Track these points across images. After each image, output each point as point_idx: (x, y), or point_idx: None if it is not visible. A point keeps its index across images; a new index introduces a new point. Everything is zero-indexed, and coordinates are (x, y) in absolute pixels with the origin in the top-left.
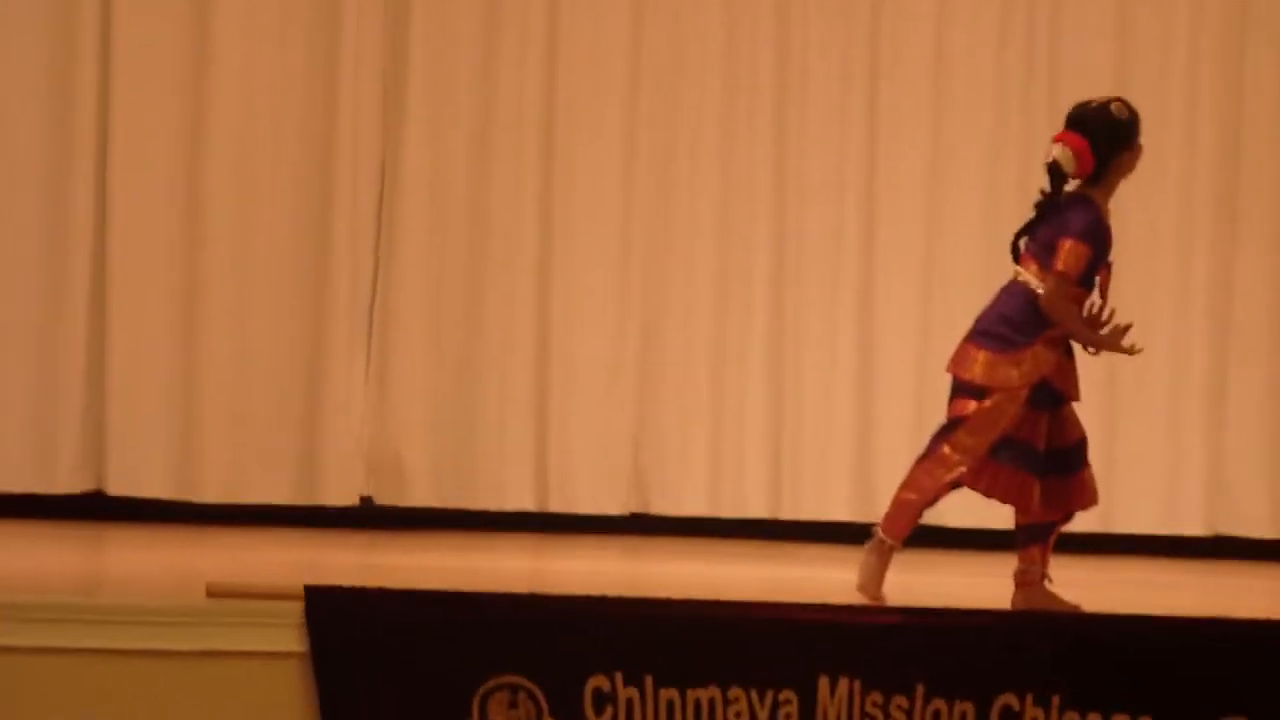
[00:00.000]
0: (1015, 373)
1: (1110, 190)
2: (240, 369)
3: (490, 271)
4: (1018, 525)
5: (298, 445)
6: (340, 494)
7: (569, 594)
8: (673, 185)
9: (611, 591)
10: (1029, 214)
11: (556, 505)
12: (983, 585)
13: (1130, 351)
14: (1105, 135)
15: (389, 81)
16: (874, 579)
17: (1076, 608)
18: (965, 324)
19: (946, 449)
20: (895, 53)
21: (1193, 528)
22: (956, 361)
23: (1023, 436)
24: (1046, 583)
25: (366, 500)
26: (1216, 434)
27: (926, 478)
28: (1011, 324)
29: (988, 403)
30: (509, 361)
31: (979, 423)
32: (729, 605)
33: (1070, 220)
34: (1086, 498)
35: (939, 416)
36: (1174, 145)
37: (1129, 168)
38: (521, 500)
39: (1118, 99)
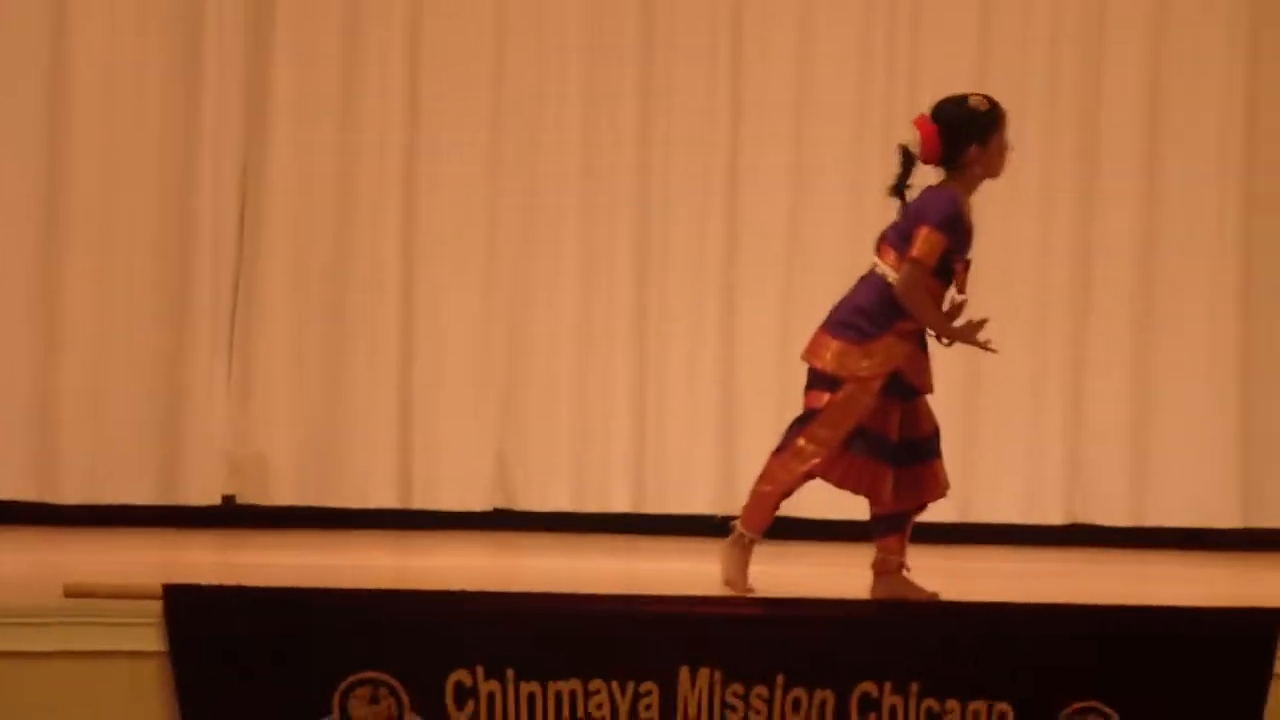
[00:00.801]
0: (867, 363)
1: (969, 185)
2: (101, 368)
3: (353, 268)
4: (873, 515)
5: (159, 445)
6: (202, 493)
7: (428, 589)
8: (537, 184)
9: (476, 587)
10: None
11: (420, 502)
12: (841, 575)
13: (985, 347)
14: (957, 125)
15: (252, 81)
16: (738, 572)
17: (934, 596)
18: None
19: (801, 441)
20: (758, 71)
21: (1051, 516)
22: (811, 351)
23: (875, 427)
24: (904, 571)
25: (229, 499)
26: (1074, 423)
27: (782, 470)
28: (865, 314)
29: (840, 394)
30: (371, 358)
31: (833, 414)
32: (588, 599)
33: (928, 209)
34: (937, 488)
35: (794, 410)
36: (1033, 142)
37: (991, 165)
38: (385, 498)
39: (981, 95)
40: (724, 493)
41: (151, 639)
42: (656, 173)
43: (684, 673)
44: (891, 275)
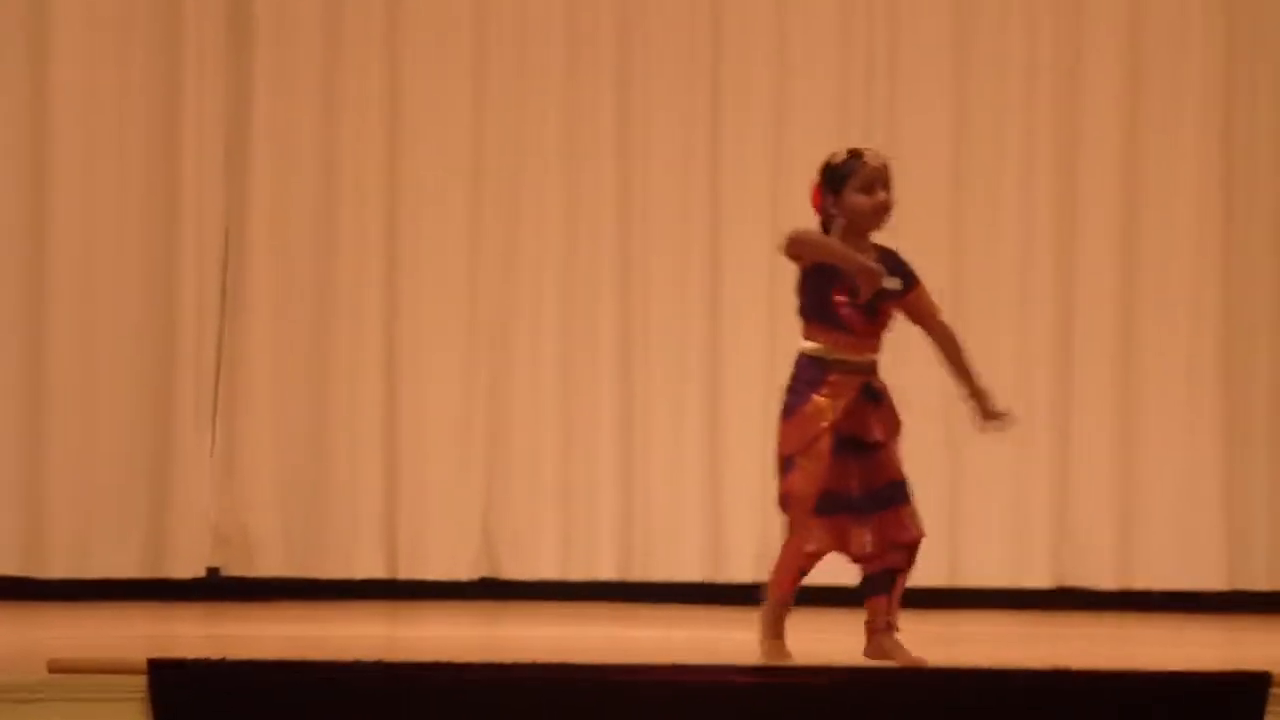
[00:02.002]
0: (798, 434)
1: (845, 233)
2: (85, 442)
3: (336, 340)
4: (861, 576)
5: (143, 518)
6: (187, 566)
7: (417, 660)
8: (517, 252)
9: (464, 657)
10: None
11: (406, 572)
12: (832, 642)
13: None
14: (821, 176)
15: (231, 156)
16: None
17: (920, 661)
18: None
19: (789, 529)
20: (738, 120)
21: (1039, 579)
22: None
23: (835, 487)
24: (894, 633)
25: (214, 571)
26: (1060, 486)
27: (786, 554)
28: (789, 389)
29: (795, 471)
30: (356, 429)
31: (792, 492)
32: (577, 668)
33: None
34: (904, 531)
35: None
36: (1011, 190)
37: (861, 215)
38: (372, 568)
39: (857, 148)
40: (712, 559)
41: (137, 714)
42: (636, 237)
43: None
44: (804, 344)
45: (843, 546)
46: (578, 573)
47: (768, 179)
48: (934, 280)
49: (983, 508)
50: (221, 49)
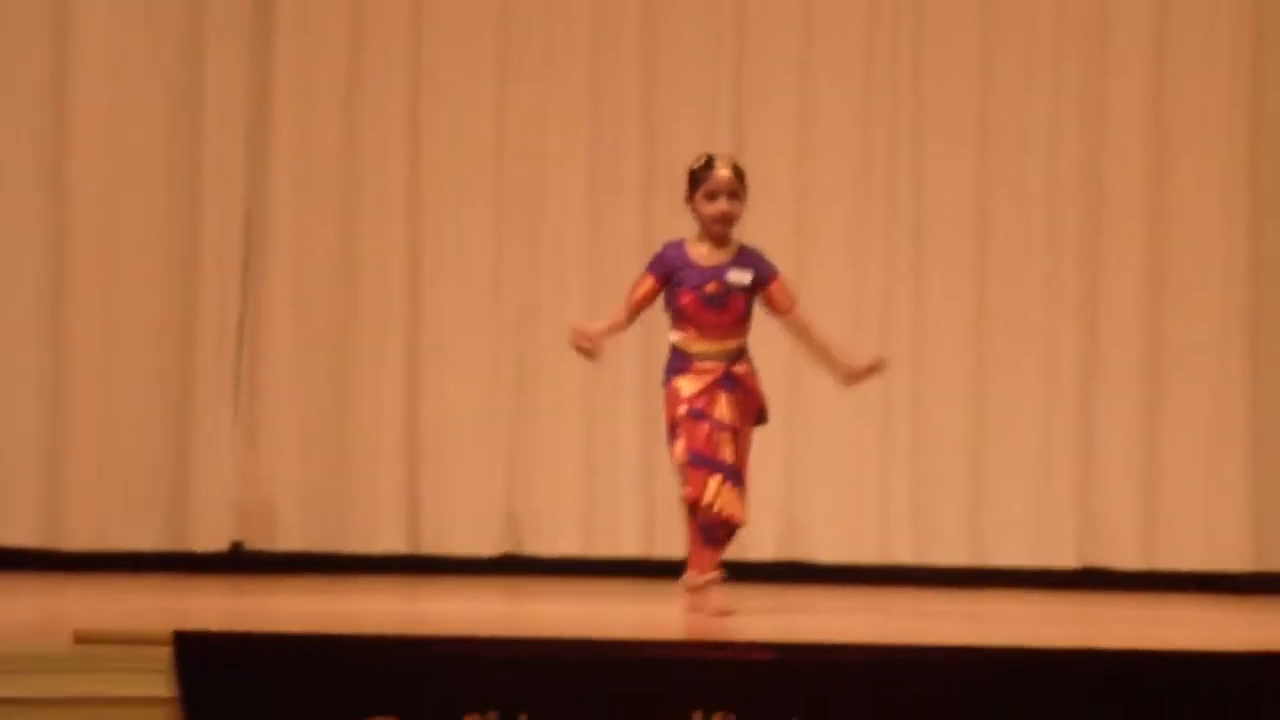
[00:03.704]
0: (668, 411)
1: (700, 231)
2: (108, 416)
3: (360, 314)
4: (704, 523)
5: (166, 491)
6: (210, 539)
7: (441, 634)
8: (542, 227)
9: (485, 632)
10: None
11: (429, 547)
12: (855, 619)
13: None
14: (687, 182)
15: (253, 125)
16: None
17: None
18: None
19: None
20: (760, 119)
21: (1064, 560)
22: None
23: (709, 450)
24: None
25: (237, 545)
26: (1085, 466)
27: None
28: (664, 373)
29: (674, 440)
30: (379, 404)
31: (676, 456)
32: (602, 643)
33: None
34: (737, 516)
35: (804, 449)
36: (1037, 172)
37: (704, 221)
38: (394, 543)
39: (709, 154)
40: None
41: (162, 685)
42: (659, 221)
43: (697, 717)
44: (670, 336)
45: (695, 494)
46: (600, 549)
47: (789, 177)
48: (962, 263)
49: (1008, 489)
50: (244, 35)
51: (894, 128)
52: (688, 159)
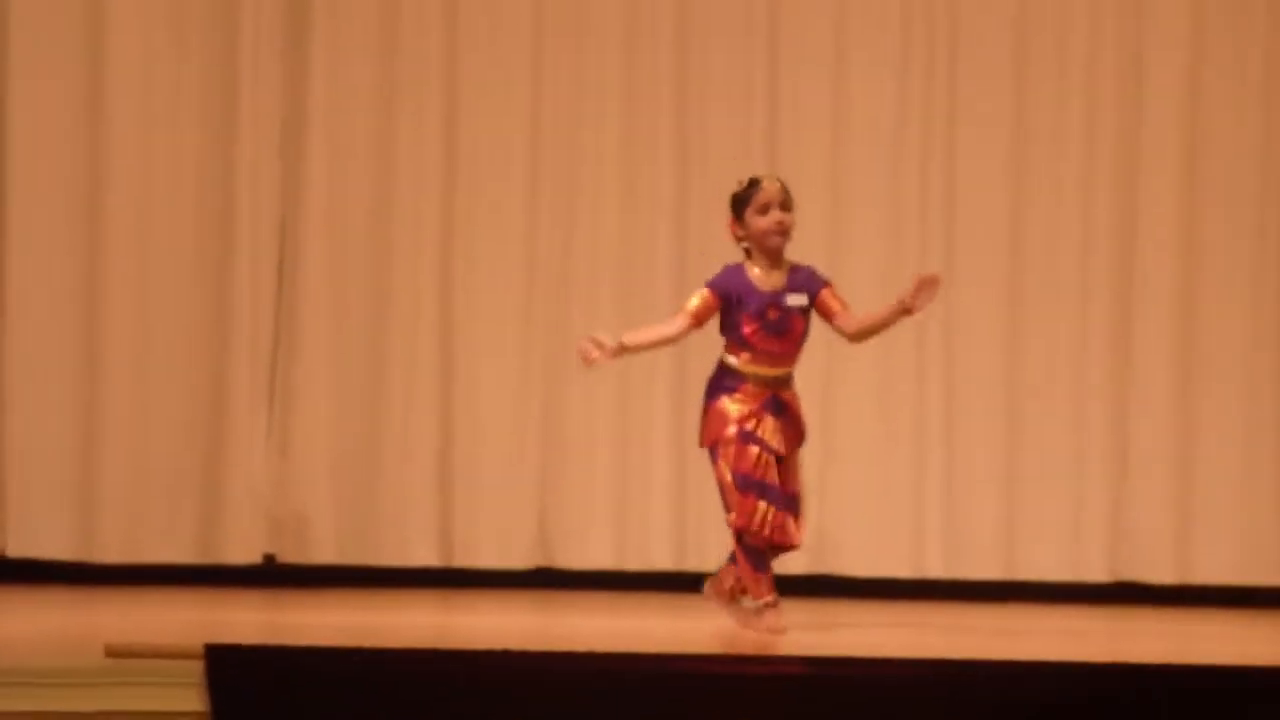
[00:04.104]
0: (711, 430)
1: (750, 254)
2: (141, 428)
3: (392, 328)
4: (748, 547)
5: (199, 504)
6: (243, 552)
7: (471, 648)
8: (574, 243)
9: (517, 646)
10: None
11: (461, 560)
12: (888, 634)
13: None
14: (731, 209)
15: (287, 142)
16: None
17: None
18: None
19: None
20: (793, 120)
21: (1096, 574)
22: None
23: (759, 474)
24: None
25: (269, 558)
26: (1118, 480)
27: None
28: (706, 389)
29: (717, 460)
30: (412, 416)
31: (721, 479)
32: (631, 658)
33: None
34: (790, 539)
35: (836, 462)
36: (1071, 184)
37: (761, 234)
38: (426, 556)
39: (757, 176)
40: None
41: (193, 699)
42: (693, 228)
43: None
44: (724, 356)
45: (745, 522)
46: (633, 563)
47: (823, 189)
48: (994, 278)
49: (1041, 502)
50: (278, 36)
51: (926, 147)
52: (722, 165)
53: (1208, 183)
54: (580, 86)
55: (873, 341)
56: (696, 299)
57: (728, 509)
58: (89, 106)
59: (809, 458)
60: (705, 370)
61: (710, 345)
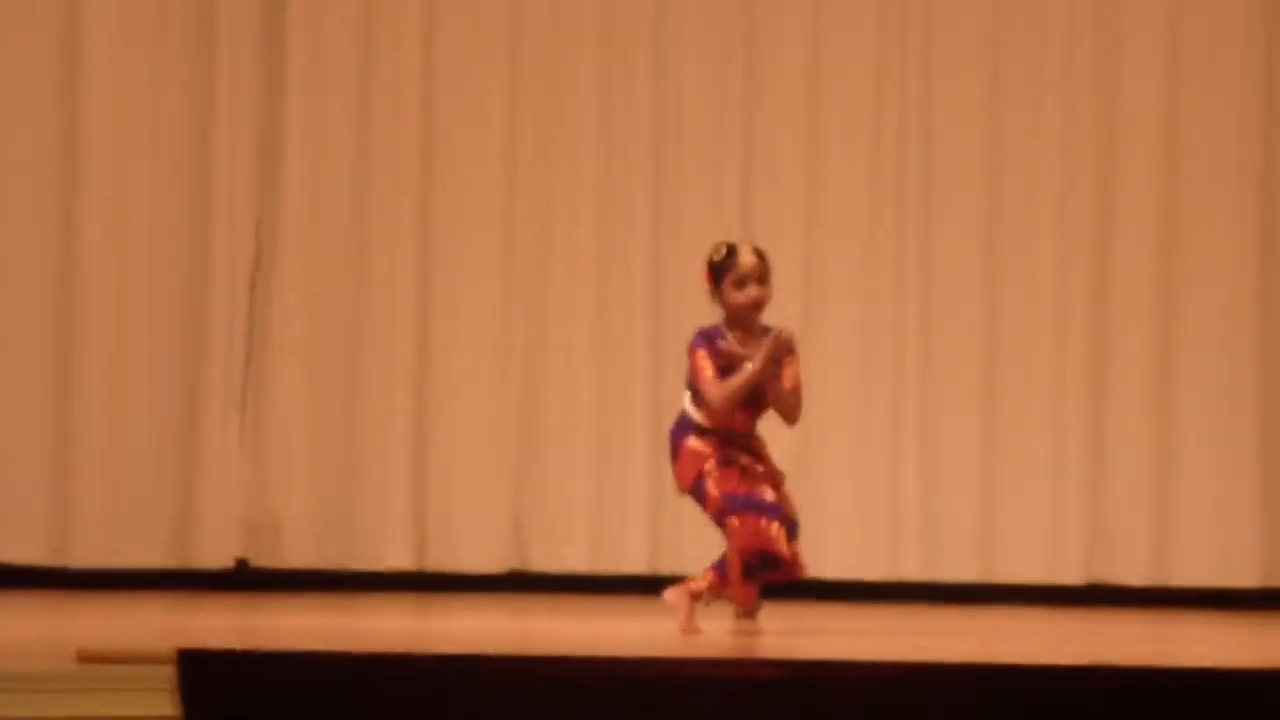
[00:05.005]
0: (687, 471)
1: (725, 319)
2: (114, 432)
3: (367, 331)
4: (746, 563)
5: (172, 508)
6: (215, 556)
7: (445, 652)
8: (551, 245)
9: (492, 649)
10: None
11: (436, 564)
12: (862, 637)
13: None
14: (709, 272)
15: (265, 134)
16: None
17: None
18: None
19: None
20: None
21: (1072, 576)
22: None
23: (744, 491)
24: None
25: (242, 562)
26: (1094, 482)
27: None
28: (671, 432)
29: (706, 490)
30: (386, 420)
31: (712, 507)
32: (607, 661)
33: (691, 342)
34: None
35: (811, 465)
36: (1047, 185)
37: (736, 308)
38: (400, 559)
39: (730, 245)
40: None
41: (165, 704)
42: (668, 227)
43: None
44: (689, 410)
45: (751, 538)
46: (607, 566)
47: (800, 190)
48: (970, 281)
49: (1017, 505)
50: (254, 44)
51: (902, 146)
52: (699, 162)
53: (1185, 183)
54: (557, 83)
55: (849, 343)
56: (707, 368)
57: (726, 530)
58: (62, 107)
59: (785, 461)
60: (682, 375)
61: (683, 343)
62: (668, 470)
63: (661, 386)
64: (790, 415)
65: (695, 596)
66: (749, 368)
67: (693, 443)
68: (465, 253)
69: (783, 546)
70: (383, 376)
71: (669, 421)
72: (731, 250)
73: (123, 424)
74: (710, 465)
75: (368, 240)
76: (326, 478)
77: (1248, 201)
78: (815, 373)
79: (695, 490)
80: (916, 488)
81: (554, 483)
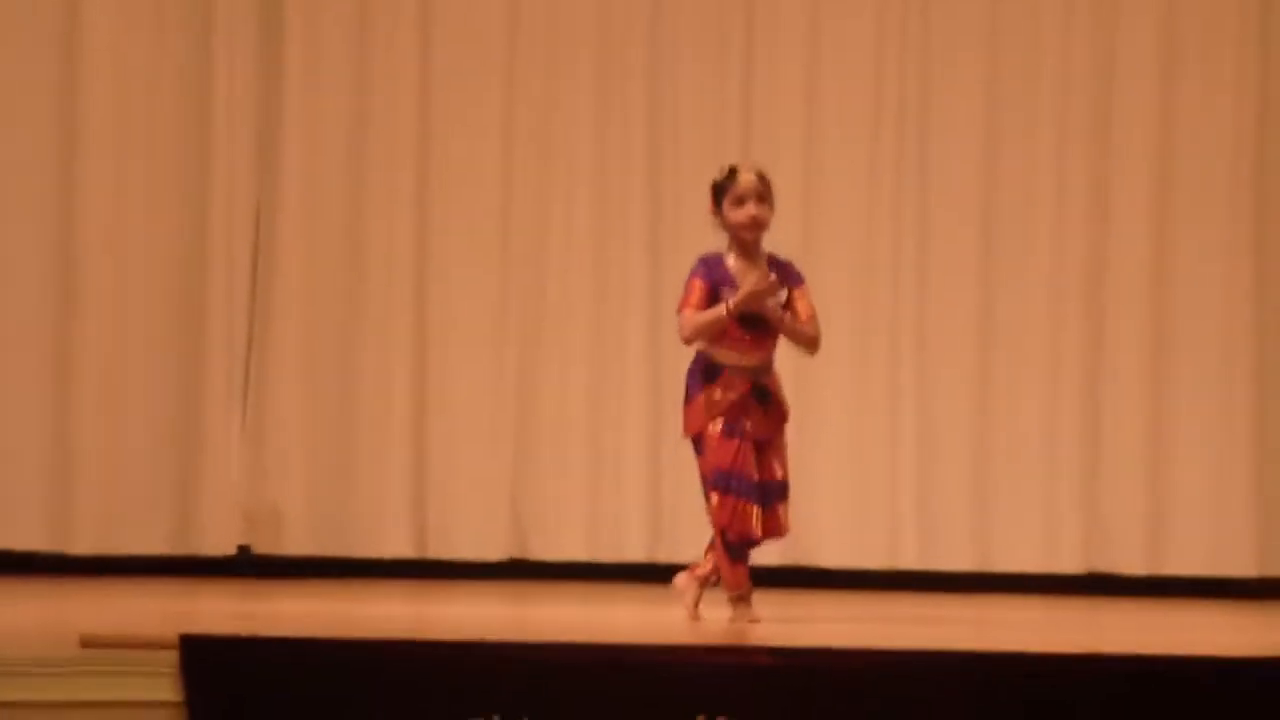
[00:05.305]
0: (695, 419)
1: (729, 241)
2: (116, 419)
3: (366, 319)
4: (727, 542)
5: (173, 495)
6: (217, 543)
7: (444, 639)
8: (549, 233)
9: (491, 636)
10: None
11: (435, 552)
12: (859, 625)
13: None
14: (711, 194)
15: (264, 127)
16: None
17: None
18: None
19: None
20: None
21: (1069, 565)
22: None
23: (738, 468)
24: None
25: (243, 549)
26: (1091, 472)
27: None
28: (688, 378)
29: (703, 452)
30: (386, 408)
31: (703, 471)
32: (605, 648)
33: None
34: (777, 529)
35: (809, 453)
36: (1043, 178)
37: (735, 227)
38: (400, 547)
39: (733, 165)
40: None
41: (168, 689)
42: (666, 219)
43: None
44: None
45: (728, 523)
46: (606, 554)
47: (798, 180)
48: (967, 269)
49: (1014, 494)
50: (252, 37)
51: (900, 145)
52: (696, 157)
53: (1180, 179)
54: (554, 80)
55: (847, 333)
56: (694, 294)
57: (709, 500)
58: (61, 103)
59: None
60: (679, 364)
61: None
62: (666, 459)
63: (659, 376)
64: (809, 346)
65: (704, 582)
66: (724, 306)
67: (706, 395)
68: (463, 245)
69: (758, 532)
70: (382, 366)
71: (666, 410)
72: (733, 170)
73: (125, 413)
74: (714, 429)
75: (366, 233)
76: (327, 466)
77: (1243, 190)
78: (812, 361)
79: (695, 442)
80: (914, 476)
81: (552, 471)
